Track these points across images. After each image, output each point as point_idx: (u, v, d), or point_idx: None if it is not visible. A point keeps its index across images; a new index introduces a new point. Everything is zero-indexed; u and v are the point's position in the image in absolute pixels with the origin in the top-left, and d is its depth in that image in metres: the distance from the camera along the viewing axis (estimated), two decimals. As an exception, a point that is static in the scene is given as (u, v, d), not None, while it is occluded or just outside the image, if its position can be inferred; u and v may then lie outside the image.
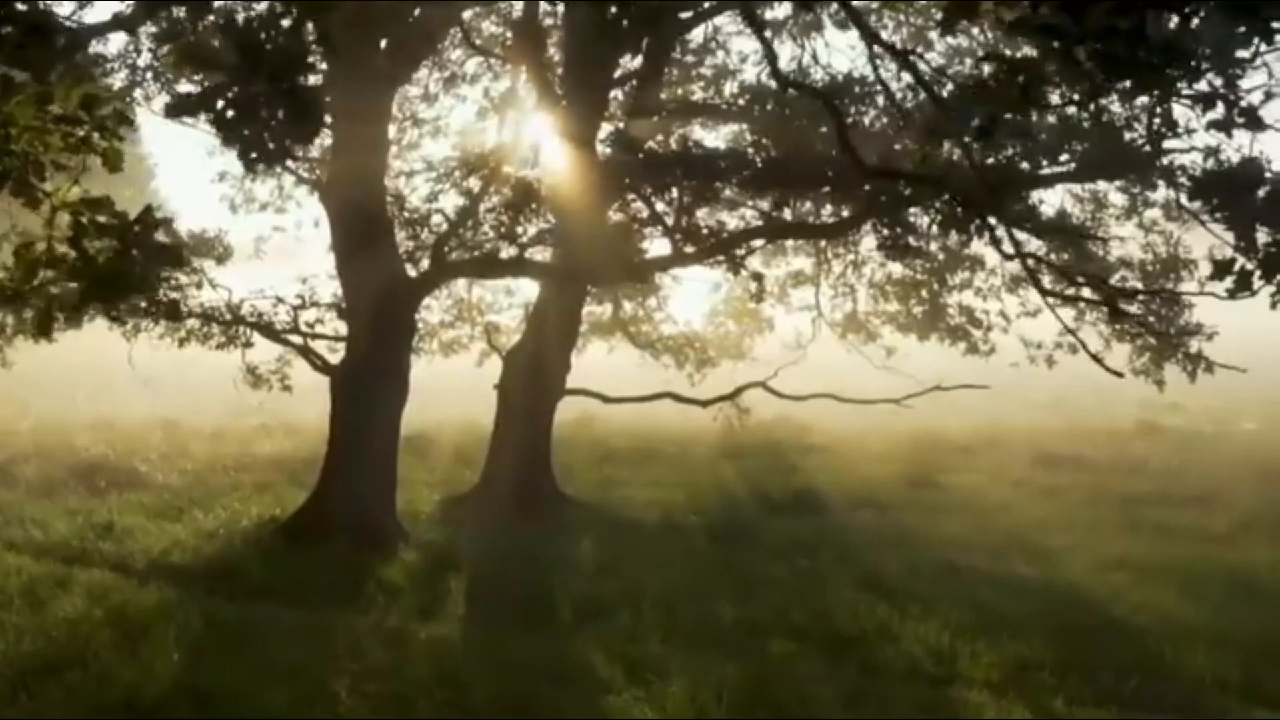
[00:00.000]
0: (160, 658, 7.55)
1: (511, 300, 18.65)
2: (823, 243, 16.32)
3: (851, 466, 17.30)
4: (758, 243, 13.77)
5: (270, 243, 17.15)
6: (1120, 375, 10.73)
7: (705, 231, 10.35)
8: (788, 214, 12.36)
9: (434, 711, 6.52)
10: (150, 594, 9.43)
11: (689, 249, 10.32)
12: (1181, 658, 8.15)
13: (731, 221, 12.50)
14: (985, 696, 7.40)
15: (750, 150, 10.57)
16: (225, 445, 17.82)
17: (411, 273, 11.90)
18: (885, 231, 9.74)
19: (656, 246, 12.14)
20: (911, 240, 9.95)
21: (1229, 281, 5.39)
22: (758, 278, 11.16)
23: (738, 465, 17.39)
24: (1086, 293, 10.39)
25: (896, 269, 16.78)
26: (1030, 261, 9.95)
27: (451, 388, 20.99)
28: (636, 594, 9.52)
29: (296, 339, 12.17)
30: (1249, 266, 5.52)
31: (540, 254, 13.16)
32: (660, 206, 10.12)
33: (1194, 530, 12.73)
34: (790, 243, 17.33)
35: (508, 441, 13.64)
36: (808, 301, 18.96)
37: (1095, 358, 8.96)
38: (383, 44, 11.12)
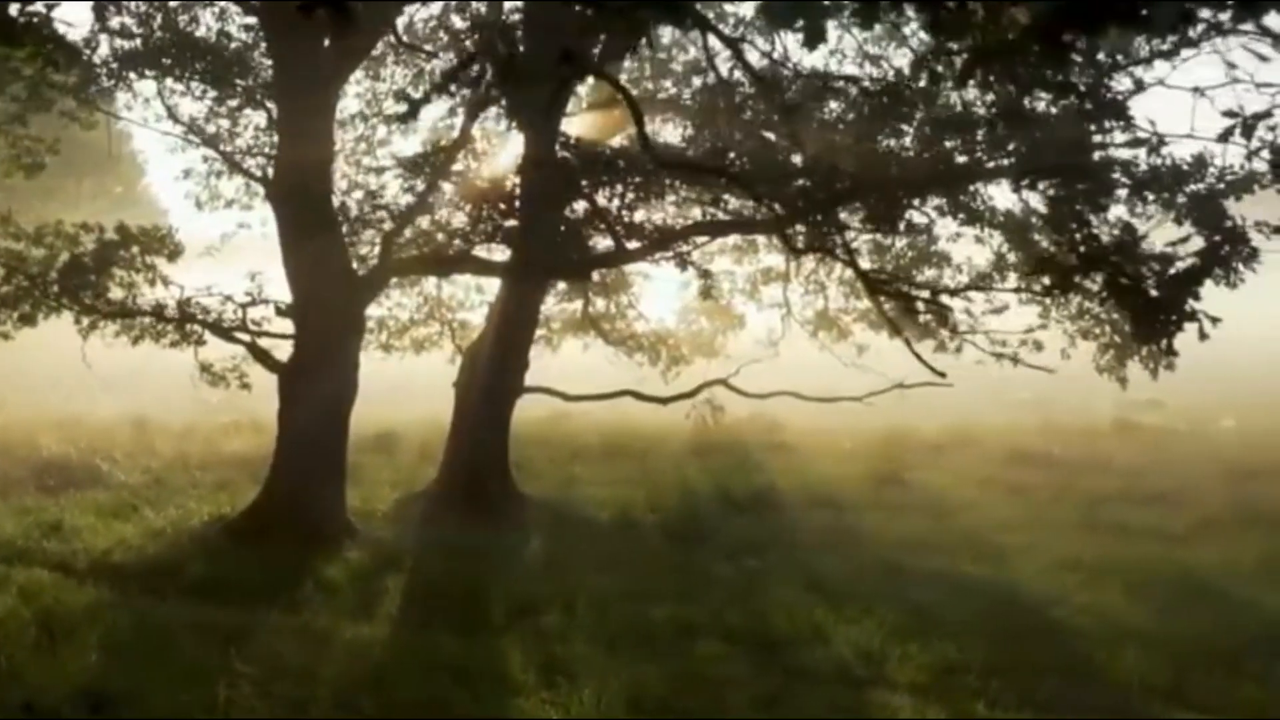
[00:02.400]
0: (77, 659, 7.48)
1: (482, 297, 18.52)
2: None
3: (820, 465, 17.19)
4: (719, 239, 13.67)
5: (237, 239, 17.01)
6: (943, 375, 10.87)
7: (650, 228, 10.25)
8: (753, 209, 12.29)
9: (326, 712, 6.45)
10: (84, 594, 9.38)
11: (632, 245, 10.24)
12: (1113, 660, 8.04)
13: (699, 217, 12.41)
14: (906, 699, 7.30)
15: (689, 147, 10.45)
16: (192, 443, 17.79)
17: (360, 270, 11.81)
18: (814, 228, 9.67)
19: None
20: (838, 237, 9.86)
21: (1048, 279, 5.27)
22: (705, 274, 11.07)
23: (705, 463, 17.29)
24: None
25: (866, 266, 16.63)
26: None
27: (425, 386, 20.93)
28: (574, 594, 9.43)
29: (245, 337, 12.05)
30: (1070, 263, 5.39)
31: (494, 251, 13.06)
32: (602, 202, 10.02)
33: (1153, 530, 12.60)
34: (761, 239, 17.21)
35: (464, 439, 13.55)
36: (781, 299, 18.86)
37: (919, 357, 8.84)
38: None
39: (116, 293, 12.42)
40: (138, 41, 12.22)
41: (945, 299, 11.49)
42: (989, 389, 25.00)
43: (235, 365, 13.72)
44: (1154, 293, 5.56)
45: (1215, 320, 5.89)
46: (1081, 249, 5.58)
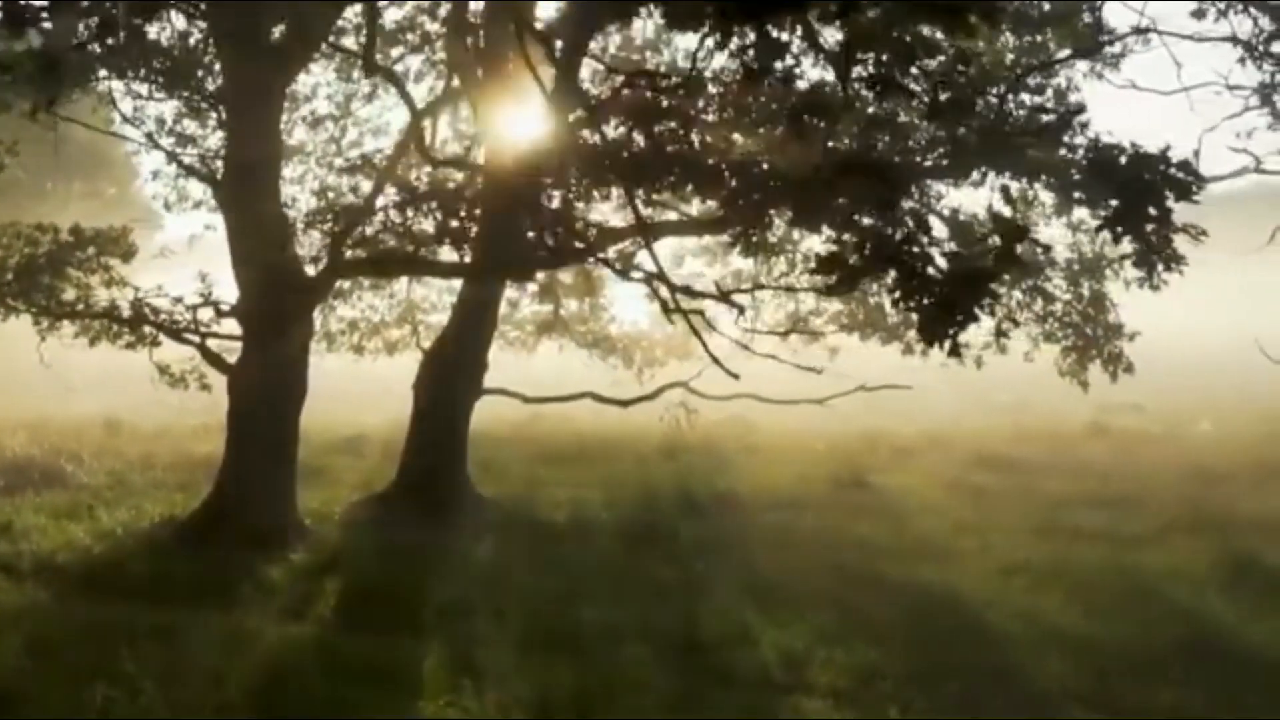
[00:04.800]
0: (-2, 660, 7.49)
1: (453, 299, 18.52)
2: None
3: (788, 467, 17.12)
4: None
5: (207, 240, 17.08)
6: (737, 376, 11.11)
7: (592, 230, 10.24)
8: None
9: (215, 712, 6.44)
10: (21, 595, 9.43)
11: (574, 246, 10.23)
12: (1038, 664, 7.99)
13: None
14: (820, 704, 7.26)
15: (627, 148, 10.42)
16: (162, 444, 17.82)
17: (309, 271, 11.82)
18: (741, 229, 9.66)
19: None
20: (769, 237, 9.86)
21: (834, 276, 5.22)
22: (651, 277, 11.06)
23: (674, 466, 17.27)
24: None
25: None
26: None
27: (402, 388, 20.92)
28: (510, 596, 9.45)
29: (195, 338, 12.05)
30: (855, 261, 5.35)
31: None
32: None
33: (1110, 533, 12.50)
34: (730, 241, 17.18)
35: (421, 441, 13.53)
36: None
37: (713, 357, 8.82)
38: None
39: (72, 294, 12.46)
40: (85, 37, 12.20)
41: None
42: (969, 391, 24.99)
43: (194, 367, 13.74)
44: (942, 292, 5.49)
45: (1015, 322, 5.84)
46: (867, 247, 5.53)
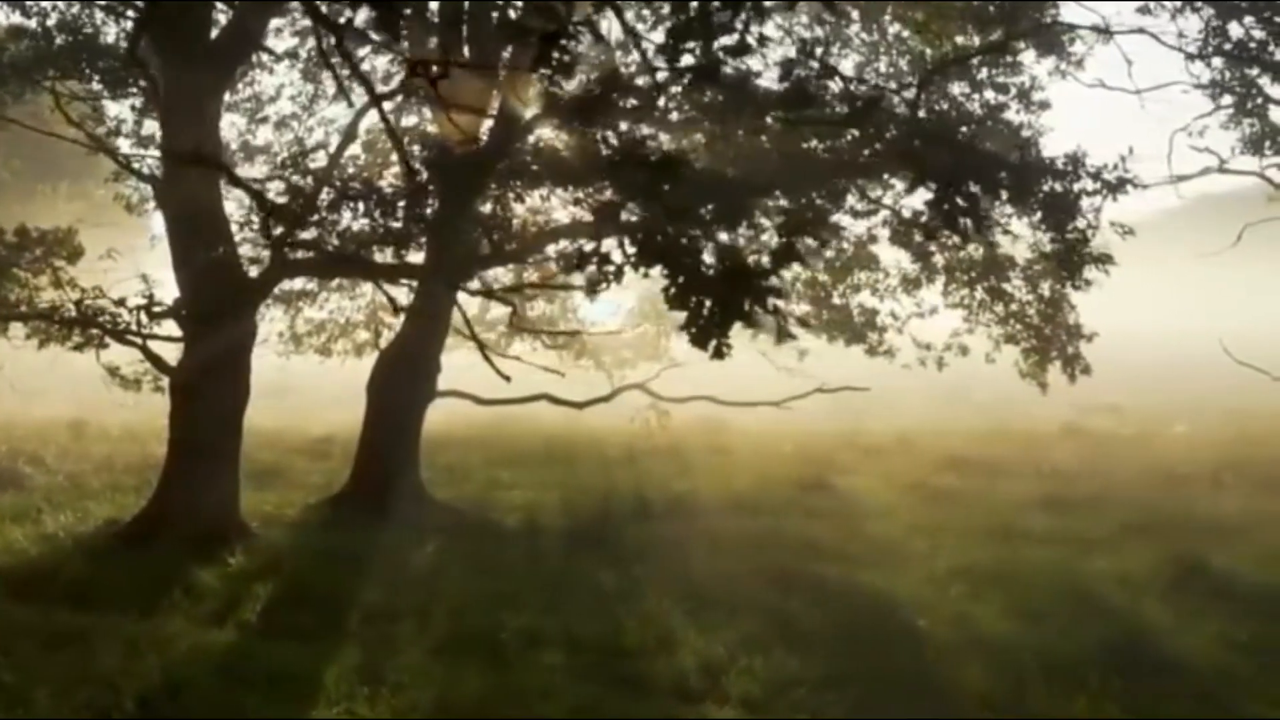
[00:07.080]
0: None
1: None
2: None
3: (753, 468, 17.00)
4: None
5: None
6: (508, 379, 11.07)
7: (531, 229, 10.16)
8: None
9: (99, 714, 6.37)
10: (-52, 599, 9.33)
11: (509, 247, 10.15)
12: (959, 670, 7.86)
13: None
14: (730, 712, 7.15)
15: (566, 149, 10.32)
16: (125, 446, 17.76)
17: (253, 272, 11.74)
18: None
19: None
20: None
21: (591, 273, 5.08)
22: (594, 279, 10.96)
23: (637, 468, 17.16)
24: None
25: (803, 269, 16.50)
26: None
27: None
28: (440, 600, 9.35)
29: (138, 340, 11.95)
30: (617, 258, 5.22)
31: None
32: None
33: (1067, 535, 12.34)
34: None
35: (374, 444, 13.46)
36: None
37: (489, 359, 8.73)
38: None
39: (18, 295, 12.36)
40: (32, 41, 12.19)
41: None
42: (948, 391, 24.85)
43: (148, 369, 13.62)
44: (715, 290, 5.34)
45: (804, 323, 5.72)
46: (634, 245, 5.37)
